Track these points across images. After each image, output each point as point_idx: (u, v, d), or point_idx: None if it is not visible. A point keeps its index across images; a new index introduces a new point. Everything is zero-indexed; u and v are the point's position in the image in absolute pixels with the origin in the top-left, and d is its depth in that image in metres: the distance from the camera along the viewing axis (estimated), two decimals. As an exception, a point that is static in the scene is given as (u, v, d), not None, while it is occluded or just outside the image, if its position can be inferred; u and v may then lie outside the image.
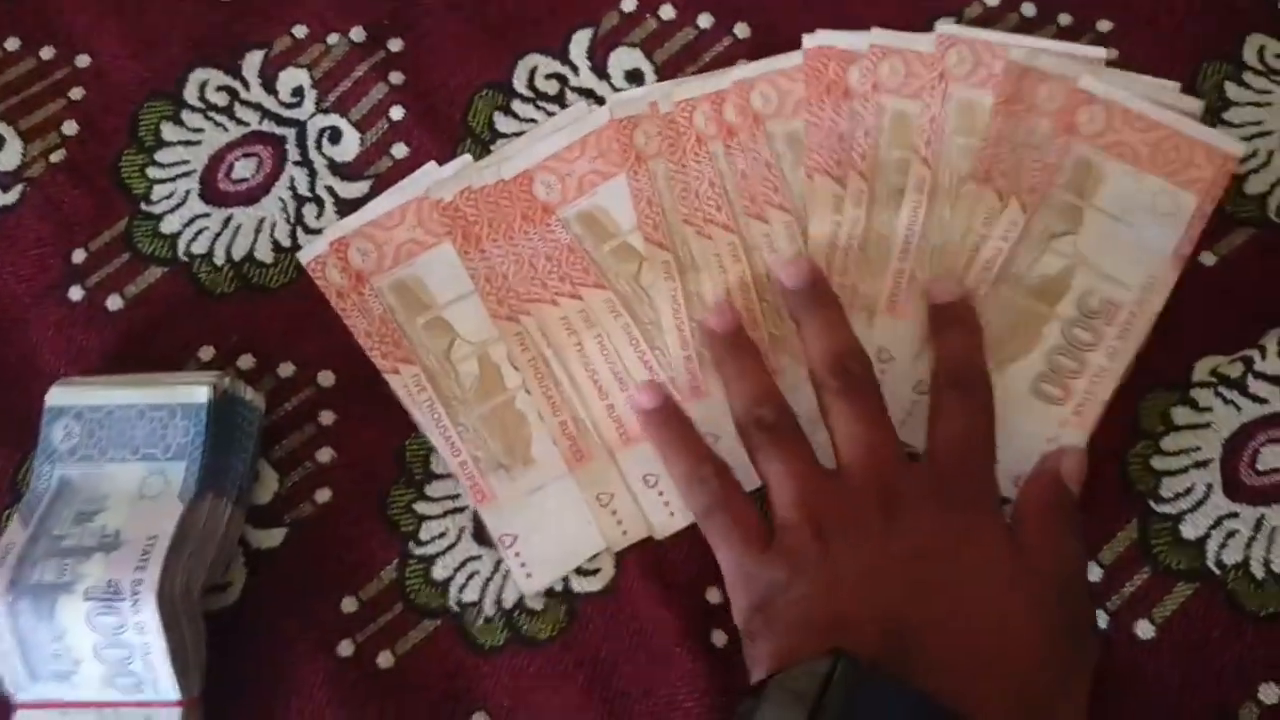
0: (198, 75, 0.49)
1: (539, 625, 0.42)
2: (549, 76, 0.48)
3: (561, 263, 0.45)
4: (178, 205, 0.47)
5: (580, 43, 0.48)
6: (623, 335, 0.44)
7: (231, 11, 0.49)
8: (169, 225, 0.47)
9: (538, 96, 0.48)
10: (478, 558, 0.43)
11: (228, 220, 0.47)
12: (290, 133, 0.48)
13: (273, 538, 0.43)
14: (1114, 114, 0.44)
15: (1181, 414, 0.43)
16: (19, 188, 0.48)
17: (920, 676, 0.34)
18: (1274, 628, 0.40)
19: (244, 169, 0.48)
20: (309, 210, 0.47)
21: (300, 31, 0.49)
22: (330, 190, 0.47)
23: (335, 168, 0.47)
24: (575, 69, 0.48)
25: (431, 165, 0.47)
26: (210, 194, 0.47)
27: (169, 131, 0.48)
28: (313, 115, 0.48)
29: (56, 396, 0.42)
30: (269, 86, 0.48)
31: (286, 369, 0.45)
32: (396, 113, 0.48)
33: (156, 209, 0.47)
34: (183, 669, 0.38)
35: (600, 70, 0.48)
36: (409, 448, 0.44)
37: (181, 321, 0.46)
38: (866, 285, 0.44)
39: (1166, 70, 0.45)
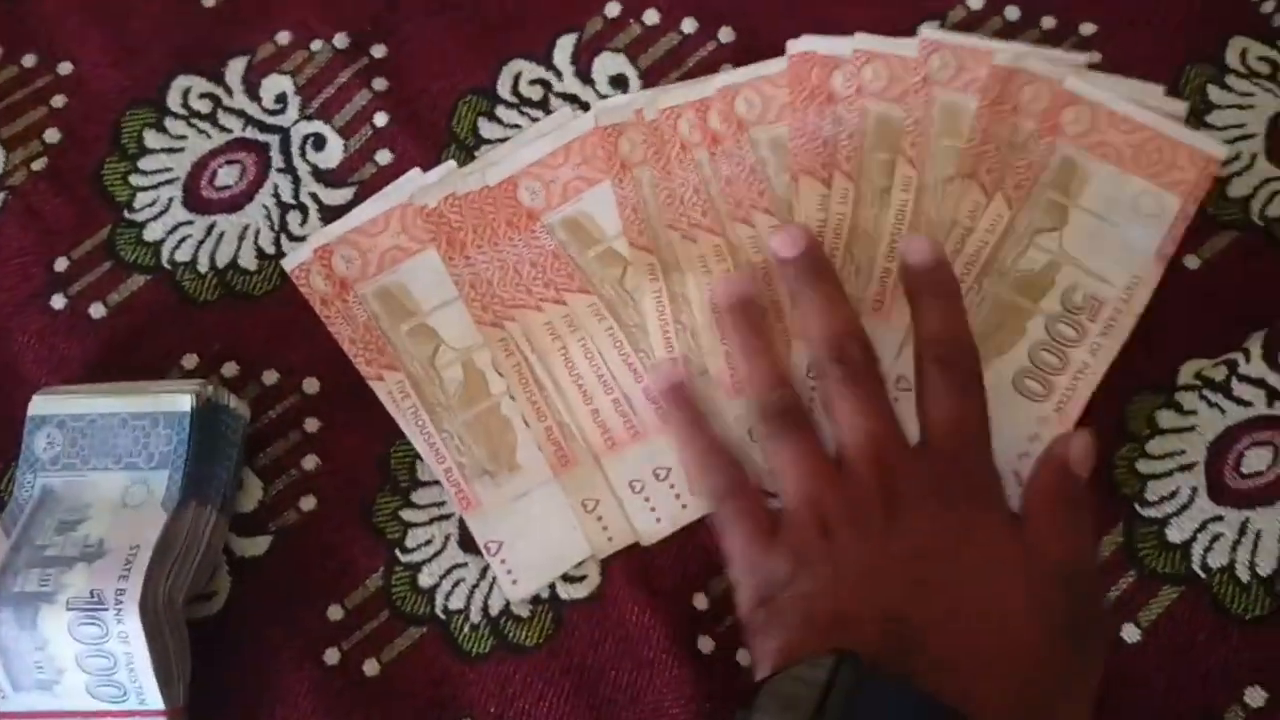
0: (181, 82, 0.49)
1: (525, 632, 0.42)
2: (533, 82, 0.48)
3: (546, 269, 0.45)
4: (161, 213, 0.47)
5: (564, 48, 0.48)
6: (607, 339, 0.44)
7: (214, 18, 0.49)
8: (152, 233, 0.47)
9: (522, 102, 0.48)
10: (463, 565, 0.43)
11: (211, 228, 0.47)
12: (274, 139, 0.48)
13: (257, 546, 0.43)
14: (1098, 115, 0.44)
15: (1166, 417, 0.43)
16: (0, 196, 0.47)
17: (921, 676, 0.34)
18: (1260, 631, 0.40)
19: (227, 176, 0.47)
20: (293, 217, 0.47)
21: (283, 38, 0.49)
22: (314, 197, 0.47)
23: (319, 174, 0.47)
24: (559, 74, 0.48)
25: (416, 172, 0.47)
26: (193, 201, 0.47)
27: (152, 139, 0.48)
28: (296, 122, 0.48)
29: (39, 405, 0.42)
30: (252, 93, 0.48)
31: (270, 376, 0.45)
32: (380, 119, 0.47)
33: (139, 216, 0.47)
34: (166, 678, 0.38)
35: (584, 75, 0.48)
36: (394, 455, 0.44)
37: (164, 329, 0.45)
38: (852, 286, 0.44)
39: (1150, 73, 0.45)
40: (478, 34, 0.49)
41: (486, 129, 0.47)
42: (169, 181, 0.47)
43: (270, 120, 0.48)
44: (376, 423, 0.44)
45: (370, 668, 0.42)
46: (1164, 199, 0.43)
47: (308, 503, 0.44)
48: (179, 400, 0.41)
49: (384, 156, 0.47)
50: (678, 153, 0.46)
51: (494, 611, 0.42)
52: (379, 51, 0.49)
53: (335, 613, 0.42)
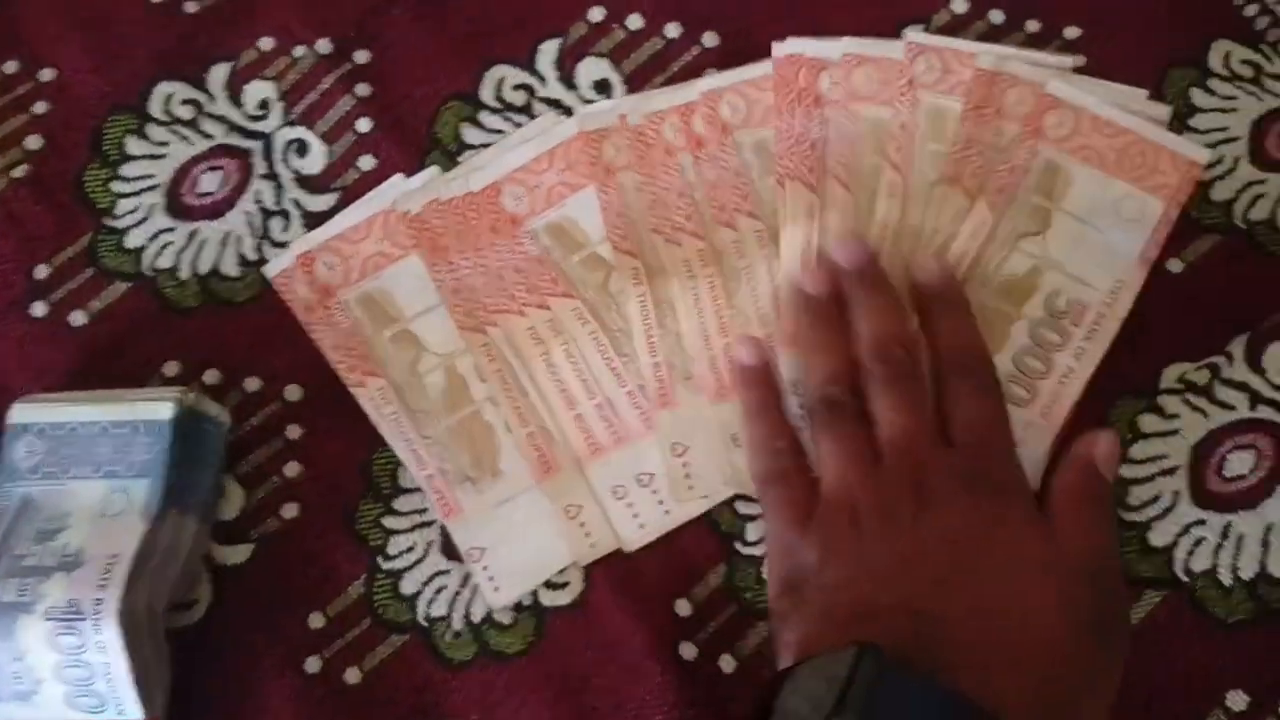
0: (162, 88, 0.48)
1: (508, 639, 0.42)
2: (516, 87, 0.48)
3: (530, 274, 0.45)
4: (142, 220, 0.47)
5: (548, 53, 0.48)
6: (590, 343, 0.44)
7: (196, 24, 0.49)
8: (133, 240, 0.47)
9: (505, 107, 0.47)
10: (446, 572, 0.43)
11: (193, 234, 0.47)
12: (256, 145, 0.48)
13: (239, 554, 0.43)
14: (1082, 119, 0.44)
15: (1149, 421, 0.43)
16: (-19, 203, 0.47)
17: (944, 669, 0.34)
18: (1242, 635, 0.40)
19: (210, 182, 0.47)
20: (275, 223, 0.47)
21: (266, 44, 0.49)
22: (297, 203, 0.47)
23: (302, 180, 0.47)
24: (543, 79, 0.48)
25: (399, 177, 0.47)
26: (175, 208, 0.47)
27: (133, 145, 0.48)
28: (279, 128, 0.48)
29: (18, 414, 0.42)
30: (235, 99, 0.48)
31: (253, 383, 0.45)
32: (363, 125, 0.47)
33: (120, 223, 0.47)
34: (146, 688, 0.38)
35: (568, 81, 0.48)
36: (376, 462, 0.44)
37: (146, 337, 0.45)
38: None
39: (1134, 76, 0.45)
40: (461, 39, 0.48)
41: (470, 134, 0.47)
42: (151, 188, 0.47)
43: (253, 126, 0.48)
44: (359, 429, 0.44)
45: (352, 676, 0.42)
46: (1147, 203, 0.43)
47: (289, 510, 0.43)
48: (160, 408, 0.41)
49: (367, 162, 0.47)
50: (662, 157, 0.45)
51: (476, 619, 0.42)
52: (362, 57, 0.48)
53: (317, 620, 0.42)
